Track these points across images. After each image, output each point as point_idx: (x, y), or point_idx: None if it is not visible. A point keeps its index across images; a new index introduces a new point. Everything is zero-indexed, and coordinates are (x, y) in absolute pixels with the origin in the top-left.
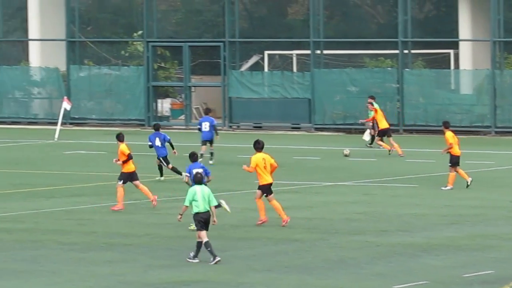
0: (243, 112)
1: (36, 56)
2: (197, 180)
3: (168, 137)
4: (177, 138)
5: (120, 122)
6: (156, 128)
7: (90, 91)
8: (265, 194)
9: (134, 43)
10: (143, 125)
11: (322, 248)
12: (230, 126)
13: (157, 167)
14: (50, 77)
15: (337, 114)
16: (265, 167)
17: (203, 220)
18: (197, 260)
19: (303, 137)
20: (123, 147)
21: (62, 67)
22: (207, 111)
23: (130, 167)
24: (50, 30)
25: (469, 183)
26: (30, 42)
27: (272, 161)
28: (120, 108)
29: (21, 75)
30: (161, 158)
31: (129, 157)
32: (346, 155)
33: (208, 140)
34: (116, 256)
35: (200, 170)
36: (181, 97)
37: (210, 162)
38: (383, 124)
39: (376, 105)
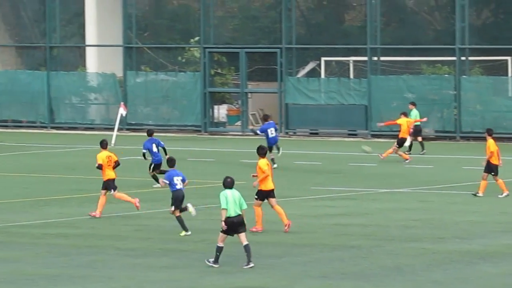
0: (299, 118)
1: (93, 61)
2: (228, 184)
3: (162, 143)
4: (233, 145)
5: (176, 128)
6: (150, 133)
7: (146, 97)
8: (259, 199)
9: (191, 49)
10: (199, 131)
11: (379, 255)
12: (287, 133)
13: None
14: (106, 82)
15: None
16: (269, 172)
17: (233, 224)
18: (252, 265)
19: (360, 143)
20: (99, 155)
21: (119, 73)
22: (266, 117)
23: (108, 174)
24: (107, 36)
25: (477, 195)
26: (87, 48)
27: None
28: (177, 114)
29: (78, 80)
30: (154, 164)
31: (98, 167)
32: (367, 152)
33: (274, 145)
34: (172, 261)
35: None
36: (237, 103)
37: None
38: (403, 134)
39: (413, 113)
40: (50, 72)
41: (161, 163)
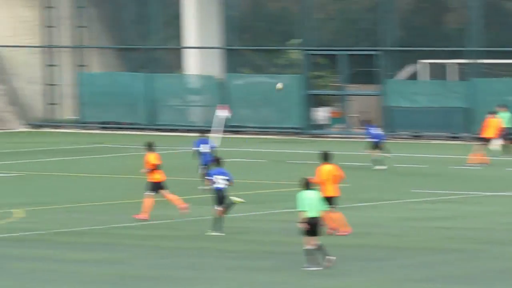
0: (401, 121)
1: (192, 63)
2: (306, 185)
3: (215, 144)
4: (335, 147)
5: (276, 130)
6: (202, 134)
7: (246, 99)
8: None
9: (290, 51)
10: (300, 133)
11: (484, 258)
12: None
13: (201, 176)
14: (206, 84)
15: None
16: (329, 179)
17: (310, 226)
18: (334, 257)
19: (462, 146)
20: (151, 157)
21: (217, 75)
22: (367, 122)
23: (156, 176)
24: (205, 38)
25: None
26: (187, 50)
27: (338, 172)
28: (277, 116)
29: (177, 82)
30: (204, 165)
31: (155, 168)
32: (278, 88)
33: (381, 142)
34: (276, 264)
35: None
36: (339, 106)
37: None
38: (488, 134)
39: (505, 115)
40: (150, 74)
41: (208, 164)
